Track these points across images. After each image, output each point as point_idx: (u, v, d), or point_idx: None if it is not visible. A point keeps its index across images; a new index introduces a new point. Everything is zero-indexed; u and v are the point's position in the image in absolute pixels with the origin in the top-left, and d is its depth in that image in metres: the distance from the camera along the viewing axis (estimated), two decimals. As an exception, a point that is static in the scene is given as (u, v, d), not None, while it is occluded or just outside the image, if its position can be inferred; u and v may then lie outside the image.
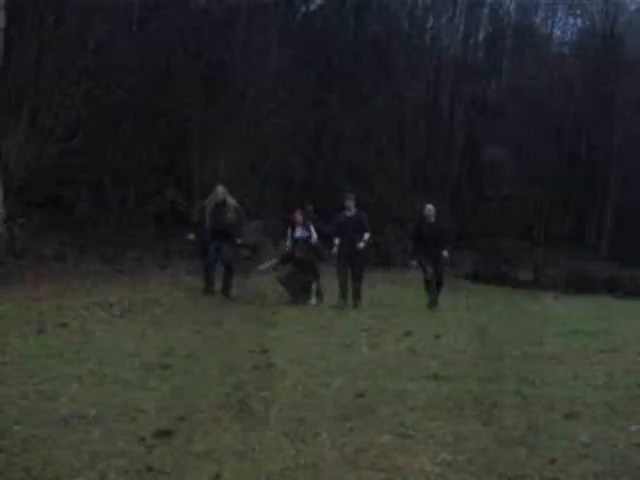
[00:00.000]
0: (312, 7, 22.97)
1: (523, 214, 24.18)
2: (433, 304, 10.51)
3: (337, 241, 10.26)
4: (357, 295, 10.37)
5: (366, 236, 10.34)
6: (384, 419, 4.27)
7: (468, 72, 25.24)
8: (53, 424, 4.01)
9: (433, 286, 10.63)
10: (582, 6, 28.71)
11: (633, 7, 30.52)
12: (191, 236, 10.77)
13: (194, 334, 7.53)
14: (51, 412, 4.23)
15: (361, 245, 10.25)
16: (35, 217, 11.62)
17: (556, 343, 7.24)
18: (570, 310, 12.19)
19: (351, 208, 10.53)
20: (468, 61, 26.27)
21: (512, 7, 27.87)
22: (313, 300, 10.52)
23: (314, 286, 10.60)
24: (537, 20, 29.23)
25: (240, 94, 16.38)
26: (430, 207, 10.74)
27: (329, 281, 10.87)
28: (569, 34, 30.34)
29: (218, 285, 10.67)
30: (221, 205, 10.45)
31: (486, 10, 27.50)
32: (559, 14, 29.56)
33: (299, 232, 10.60)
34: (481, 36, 27.91)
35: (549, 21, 29.51)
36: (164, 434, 3.86)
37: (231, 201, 10.60)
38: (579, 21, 30.19)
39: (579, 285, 19.37)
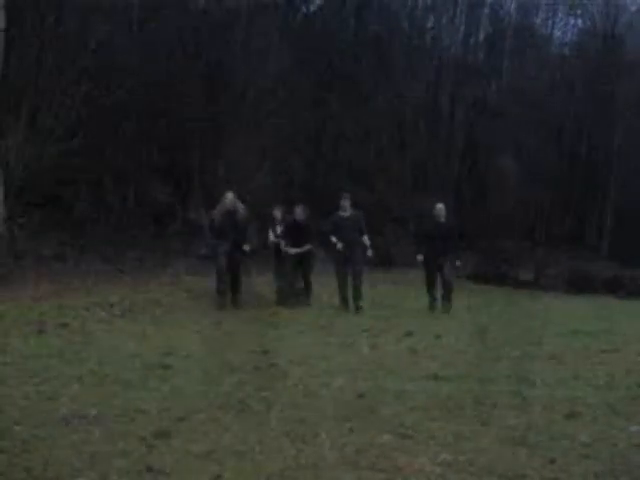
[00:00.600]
0: (312, 7, 22.92)
1: (524, 214, 24.12)
2: (447, 310, 10.27)
3: (334, 239, 10.13)
4: (358, 294, 10.13)
5: (367, 242, 10.22)
6: (384, 419, 4.27)
7: (468, 72, 25.21)
8: (54, 424, 4.02)
9: (435, 288, 10.49)
10: (583, 7, 28.70)
11: (634, 8, 30.50)
12: (203, 251, 10.71)
13: (194, 334, 7.54)
14: (52, 412, 4.23)
15: (369, 253, 10.19)
16: (35, 217, 11.60)
17: (557, 343, 7.23)
18: (571, 310, 12.20)
19: (347, 208, 10.35)
20: (468, 61, 26.23)
21: (513, 7, 27.83)
22: (310, 300, 10.60)
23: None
24: (538, 21, 29.18)
25: (240, 94, 16.36)
26: (441, 206, 10.58)
27: (329, 281, 10.86)
28: (570, 35, 30.33)
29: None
30: (232, 212, 10.44)
31: (486, 10, 27.44)
32: (560, 15, 29.55)
33: (279, 229, 10.81)
34: (481, 36, 27.85)
35: (550, 22, 29.49)
36: (164, 434, 3.87)
37: (241, 208, 10.59)
38: (580, 22, 30.19)
39: (580, 285, 19.34)
